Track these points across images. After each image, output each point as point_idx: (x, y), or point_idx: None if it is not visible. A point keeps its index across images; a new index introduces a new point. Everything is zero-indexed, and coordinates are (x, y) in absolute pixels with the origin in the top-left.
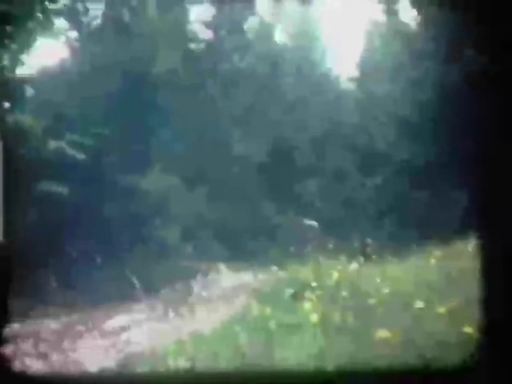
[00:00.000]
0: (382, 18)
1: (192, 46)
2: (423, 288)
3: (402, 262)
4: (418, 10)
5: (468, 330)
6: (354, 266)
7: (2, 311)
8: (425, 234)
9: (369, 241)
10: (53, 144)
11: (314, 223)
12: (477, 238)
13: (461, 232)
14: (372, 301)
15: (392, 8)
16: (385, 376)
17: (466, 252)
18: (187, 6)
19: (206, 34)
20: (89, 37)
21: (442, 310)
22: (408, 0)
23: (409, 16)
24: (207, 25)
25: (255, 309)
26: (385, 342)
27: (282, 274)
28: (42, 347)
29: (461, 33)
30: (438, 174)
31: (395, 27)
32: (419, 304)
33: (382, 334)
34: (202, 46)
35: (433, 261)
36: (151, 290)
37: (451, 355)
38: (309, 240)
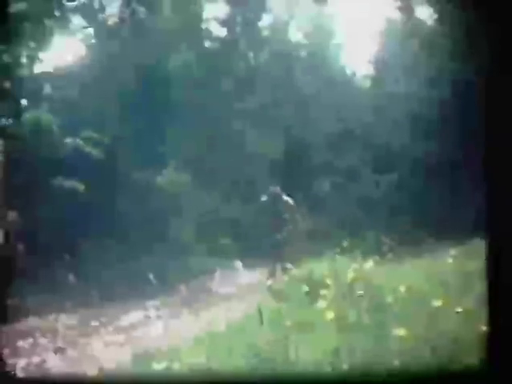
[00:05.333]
0: (397, 15)
1: (207, 43)
2: (439, 286)
3: (418, 260)
4: (433, 8)
5: (484, 329)
6: (369, 264)
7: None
8: (441, 233)
9: (384, 239)
10: (69, 141)
11: (290, 198)
12: (488, 235)
13: (477, 231)
14: (388, 299)
15: (408, 5)
16: (400, 375)
17: (483, 251)
18: (202, 4)
19: (221, 32)
20: (104, 34)
21: (458, 308)
22: None
23: (424, 13)
24: (222, 22)
25: (270, 306)
26: (401, 341)
27: (296, 271)
28: (58, 342)
29: (475, 30)
30: (455, 172)
31: (411, 24)
32: (435, 302)
33: (398, 332)
34: (217, 43)
35: (449, 260)
36: (166, 286)
37: (467, 354)
38: (284, 222)
